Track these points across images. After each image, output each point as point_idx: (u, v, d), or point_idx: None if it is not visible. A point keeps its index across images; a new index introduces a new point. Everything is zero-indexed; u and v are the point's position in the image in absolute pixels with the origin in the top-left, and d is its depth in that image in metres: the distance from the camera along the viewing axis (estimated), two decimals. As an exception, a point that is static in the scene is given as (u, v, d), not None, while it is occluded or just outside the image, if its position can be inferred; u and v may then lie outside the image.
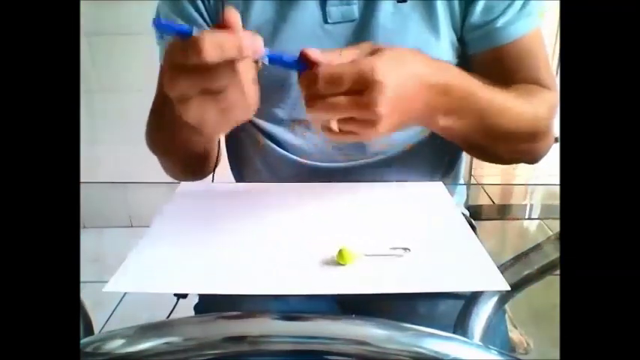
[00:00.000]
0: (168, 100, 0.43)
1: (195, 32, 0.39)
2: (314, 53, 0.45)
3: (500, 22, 0.62)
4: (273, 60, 0.45)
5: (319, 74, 0.44)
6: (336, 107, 0.45)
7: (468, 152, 0.68)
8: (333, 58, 0.46)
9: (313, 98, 0.45)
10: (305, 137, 0.69)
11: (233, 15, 0.40)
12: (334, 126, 0.48)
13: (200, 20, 0.66)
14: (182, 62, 0.39)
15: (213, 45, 0.38)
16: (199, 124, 0.43)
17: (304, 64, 0.46)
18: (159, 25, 0.43)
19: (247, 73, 0.42)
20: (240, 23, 0.40)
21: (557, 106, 0.64)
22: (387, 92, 0.44)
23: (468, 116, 0.54)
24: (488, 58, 0.64)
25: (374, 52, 0.46)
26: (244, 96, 0.42)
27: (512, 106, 0.57)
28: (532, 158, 0.66)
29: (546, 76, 0.65)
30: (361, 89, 0.44)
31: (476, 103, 0.54)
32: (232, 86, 0.41)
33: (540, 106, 0.61)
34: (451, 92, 0.51)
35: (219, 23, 0.40)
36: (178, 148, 0.65)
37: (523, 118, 0.59)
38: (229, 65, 0.40)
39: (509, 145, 0.62)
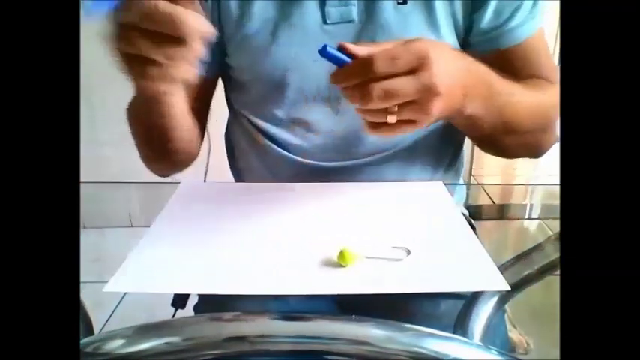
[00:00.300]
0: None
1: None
2: (353, 46, 0.45)
3: (508, 26, 0.63)
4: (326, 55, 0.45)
5: (375, 57, 0.43)
6: (397, 90, 0.44)
7: (478, 145, 0.68)
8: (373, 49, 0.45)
9: (367, 86, 0.44)
10: (305, 138, 0.69)
11: None
12: (391, 119, 0.46)
13: None
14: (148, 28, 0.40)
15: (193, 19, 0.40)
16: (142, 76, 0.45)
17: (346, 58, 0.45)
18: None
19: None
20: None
21: None
22: (442, 70, 0.44)
23: (490, 104, 0.55)
24: (493, 58, 0.64)
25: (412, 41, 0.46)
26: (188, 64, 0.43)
27: (526, 98, 0.59)
28: (538, 151, 0.67)
29: (550, 71, 0.66)
30: (417, 69, 0.44)
31: (497, 92, 0.55)
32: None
33: (549, 98, 0.62)
34: (479, 80, 0.52)
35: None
36: (142, 123, 0.64)
37: (535, 109, 0.61)
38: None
39: (520, 137, 0.63)
